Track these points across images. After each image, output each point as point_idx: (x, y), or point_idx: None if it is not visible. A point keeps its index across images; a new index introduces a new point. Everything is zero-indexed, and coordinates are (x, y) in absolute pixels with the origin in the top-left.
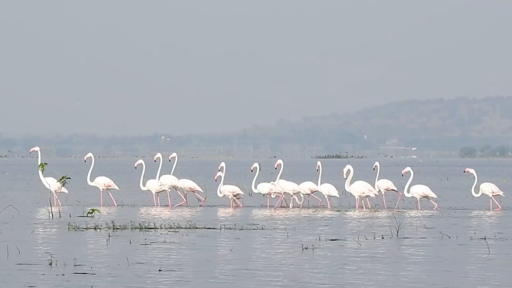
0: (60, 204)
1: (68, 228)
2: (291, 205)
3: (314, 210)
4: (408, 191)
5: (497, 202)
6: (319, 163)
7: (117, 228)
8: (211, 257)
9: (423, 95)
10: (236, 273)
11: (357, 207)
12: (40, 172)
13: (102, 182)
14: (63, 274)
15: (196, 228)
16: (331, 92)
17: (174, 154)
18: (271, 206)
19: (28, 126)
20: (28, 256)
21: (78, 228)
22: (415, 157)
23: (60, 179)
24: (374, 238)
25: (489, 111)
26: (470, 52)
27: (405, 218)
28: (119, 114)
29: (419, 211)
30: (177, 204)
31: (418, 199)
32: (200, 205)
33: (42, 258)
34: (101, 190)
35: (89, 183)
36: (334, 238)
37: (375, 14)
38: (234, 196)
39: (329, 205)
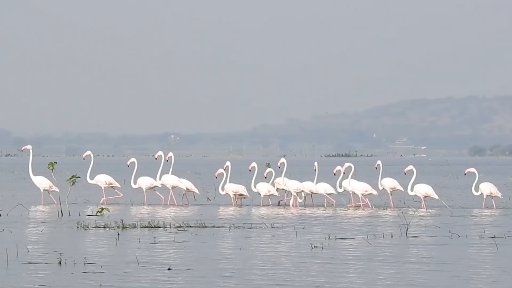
0: (55, 203)
1: (77, 227)
2: (291, 203)
3: (324, 209)
4: (412, 190)
5: (483, 202)
6: (316, 163)
7: (126, 227)
8: (220, 255)
9: (432, 94)
10: (245, 272)
11: (353, 205)
12: (30, 170)
13: (103, 180)
14: (73, 273)
15: (205, 227)
16: (341, 91)
17: (170, 154)
18: (273, 204)
19: (38, 125)
20: (37, 255)
21: (87, 227)
22: (425, 156)
23: (70, 178)
24: (383, 237)
25: (499, 110)
26: (480, 51)
27: (414, 216)
28: (129, 113)
29: (428, 210)
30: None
31: (421, 198)
32: (180, 204)
33: (52, 257)
34: (103, 188)
35: (89, 181)
36: (343, 237)
37: (385, 13)
38: (239, 196)
39: (334, 203)
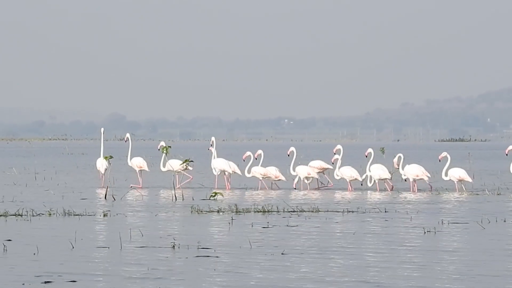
0: (102, 185)
1: (191, 211)
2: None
3: (437, 193)
4: (446, 175)
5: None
6: (340, 145)
7: (240, 211)
8: (333, 240)
9: None
10: (357, 256)
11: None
12: (101, 153)
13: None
14: (186, 257)
15: (319, 211)
16: (454, 76)
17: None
18: (305, 189)
19: (152, 109)
20: (151, 239)
21: (201, 211)
22: None
23: (183, 162)
24: (496, 221)
25: None
26: None
27: None
28: (244, 97)
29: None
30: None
31: (455, 182)
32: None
33: (165, 241)
34: (138, 171)
35: (128, 163)
36: (456, 222)
37: None
38: (269, 179)
39: (392, 187)
